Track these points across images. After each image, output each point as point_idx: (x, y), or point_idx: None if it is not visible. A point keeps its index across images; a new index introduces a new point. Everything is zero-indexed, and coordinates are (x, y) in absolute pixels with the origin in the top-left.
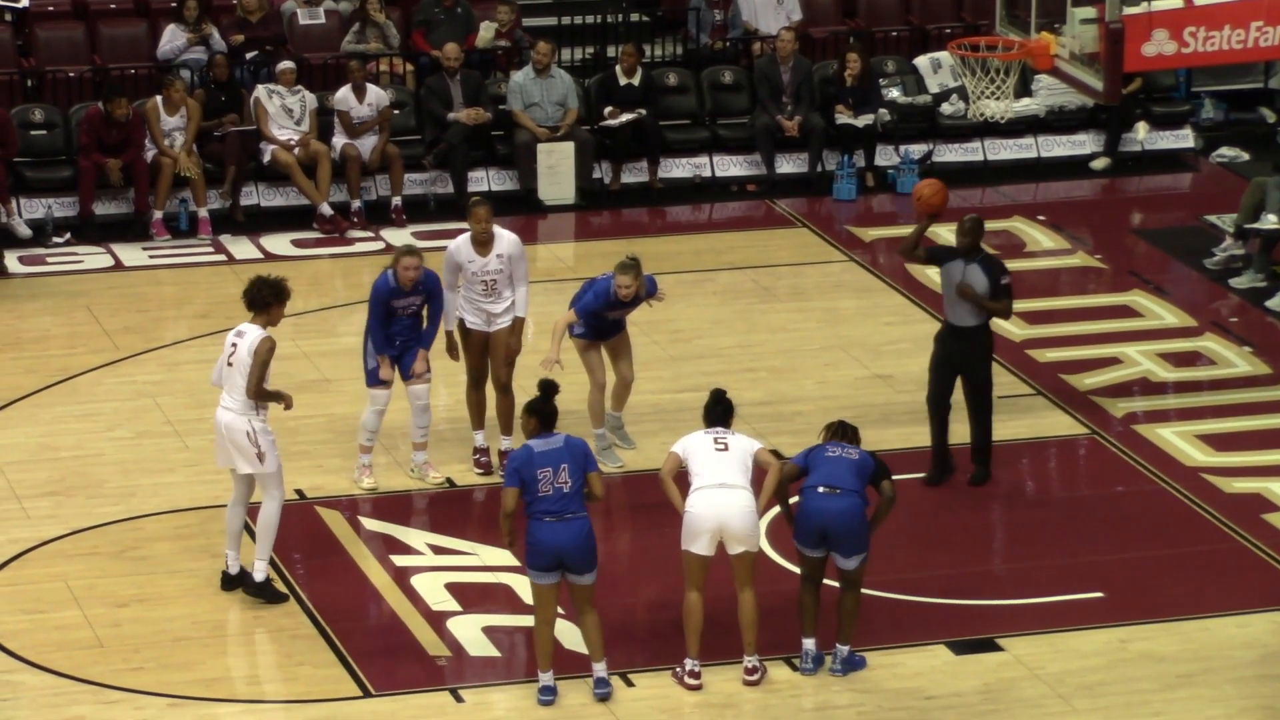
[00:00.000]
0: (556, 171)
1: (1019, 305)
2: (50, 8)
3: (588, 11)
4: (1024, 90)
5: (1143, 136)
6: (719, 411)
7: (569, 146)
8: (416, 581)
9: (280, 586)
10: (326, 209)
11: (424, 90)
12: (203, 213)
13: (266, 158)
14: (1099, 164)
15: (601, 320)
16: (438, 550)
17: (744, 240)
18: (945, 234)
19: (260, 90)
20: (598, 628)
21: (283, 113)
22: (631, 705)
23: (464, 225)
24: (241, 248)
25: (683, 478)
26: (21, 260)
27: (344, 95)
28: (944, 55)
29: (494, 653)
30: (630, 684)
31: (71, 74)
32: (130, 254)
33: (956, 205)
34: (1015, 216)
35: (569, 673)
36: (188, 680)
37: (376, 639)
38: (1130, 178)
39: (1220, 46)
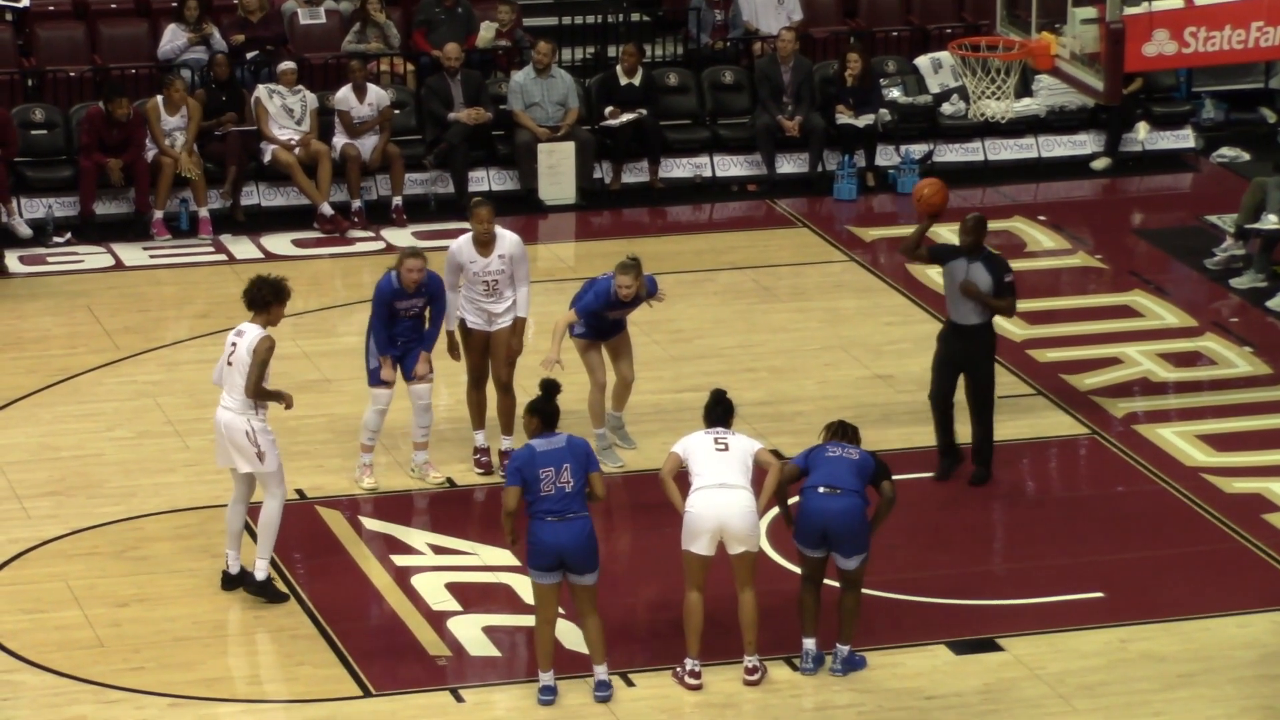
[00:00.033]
0: (557, 171)
1: (1019, 305)
2: (51, 7)
3: (588, 11)
4: (1025, 90)
5: (1143, 136)
6: (719, 411)
7: (569, 146)
8: (417, 581)
9: (281, 586)
10: (327, 209)
11: (424, 90)
12: (203, 212)
13: (267, 157)
14: (1099, 164)
15: (602, 320)
16: (438, 550)
17: (744, 240)
18: (945, 234)
19: (261, 90)
20: (599, 631)
21: (283, 112)
22: (632, 705)
23: (465, 225)
24: (242, 247)
25: (683, 478)
26: (22, 260)
27: (344, 95)
28: (945, 55)
29: (494, 652)
30: (630, 684)
31: (72, 74)
32: (131, 254)
33: (957, 205)
34: (1016, 216)
35: (569, 673)
36: (188, 680)
37: (377, 639)
38: (1131, 178)
39: (1221, 47)
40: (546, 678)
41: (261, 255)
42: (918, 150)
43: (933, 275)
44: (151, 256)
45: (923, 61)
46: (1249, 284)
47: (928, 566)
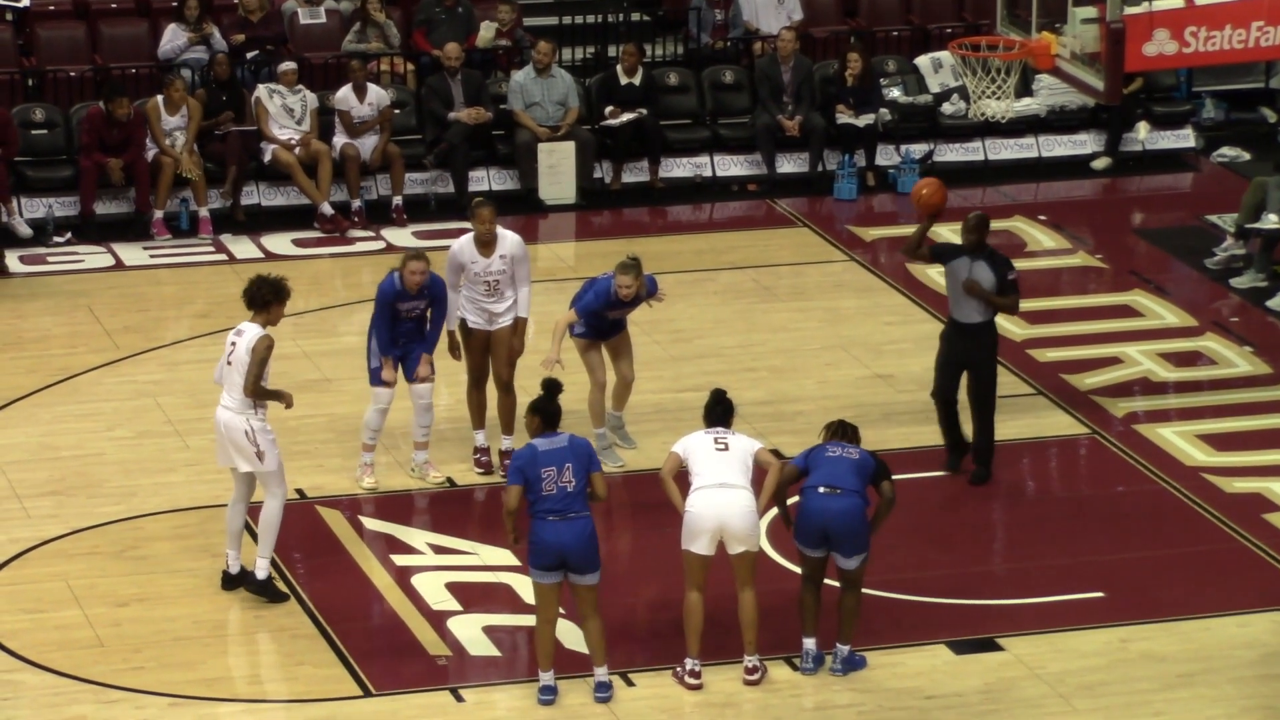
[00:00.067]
0: (557, 171)
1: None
2: (51, 7)
3: (589, 11)
4: (1025, 90)
5: (1144, 136)
6: (719, 411)
7: (570, 146)
8: (417, 581)
9: (281, 586)
10: (327, 208)
11: (425, 90)
12: (203, 212)
13: (267, 157)
14: (1100, 164)
15: (602, 320)
16: (438, 550)
17: (745, 240)
18: (945, 234)
19: (261, 90)
20: (600, 633)
21: (283, 112)
22: (632, 705)
23: (465, 225)
24: (242, 247)
25: (683, 477)
26: (22, 260)
27: (345, 95)
28: (945, 55)
29: (494, 652)
30: (630, 684)
31: (72, 73)
32: (131, 253)
33: (958, 205)
34: (1016, 216)
35: (569, 672)
36: (188, 680)
37: (377, 639)
38: (1131, 177)
39: (1221, 46)
40: (547, 677)
41: (262, 255)
42: (918, 150)
43: (933, 275)
44: (152, 256)
45: (923, 61)
46: (1249, 284)
47: (928, 566)
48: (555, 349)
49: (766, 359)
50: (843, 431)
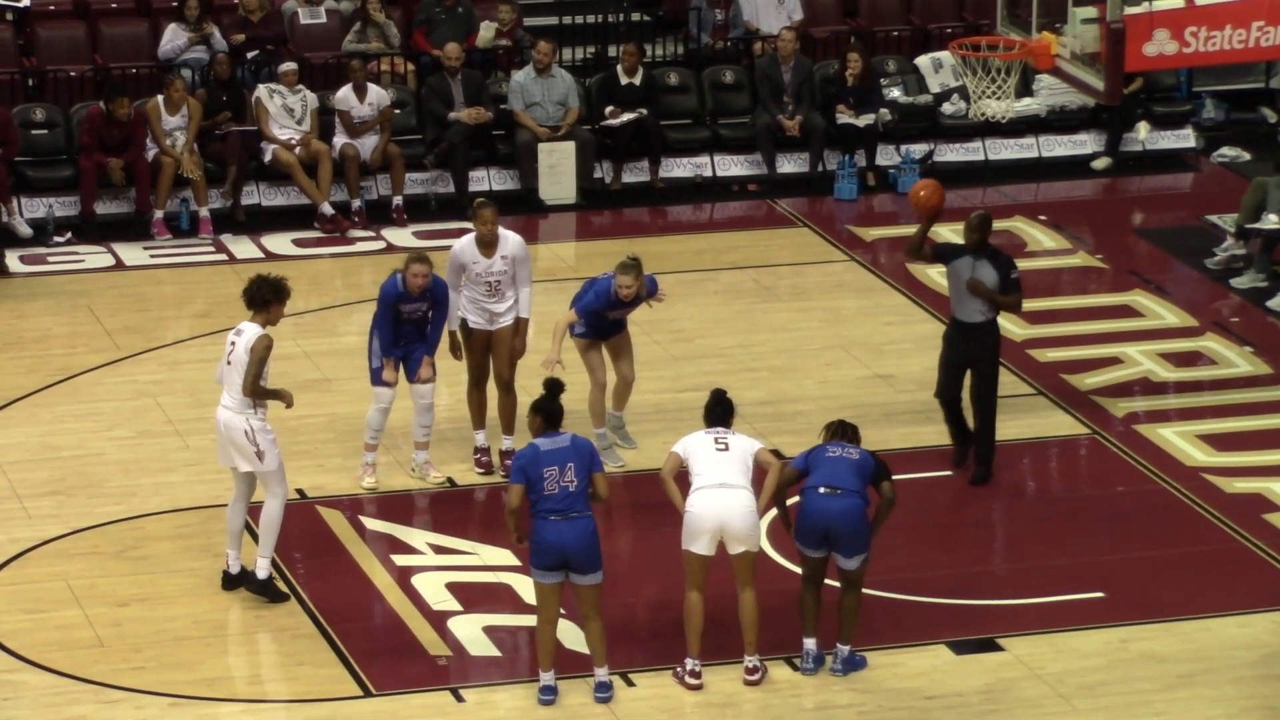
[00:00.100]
0: (557, 171)
1: None
2: (51, 7)
3: (589, 11)
4: (1025, 90)
5: (1144, 136)
6: (720, 411)
7: (570, 146)
8: (417, 581)
9: (281, 586)
10: (327, 208)
11: (425, 90)
12: (204, 212)
13: (267, 157)
14: (1100, 164)
15: (602, 320)
16: (439, 550)
17: (745, 240)
18: (946, 234)
19: (261, 90)
20: (601, 634)
21: (284, 112)
22: (632, 705)
23: (465, 225)
24: (242, 247)
25: (683, 477)
26: (22, 259)
27: (345, 95)
28: (945, 55)
29: (495, 652)
30: (631, 684)
31: (73, 73)
32: (131, 253)
33: (958, 205)
34: (1016, 216)
35: (570, 672)
36: (189, 680)
37: (377, 639)
38: (1131, 177)
39: (1221, 46)
40: (547, 677)
41: (262, 255)
42: (918, 150)
43: (933, 275)
44: (152, 256)
45: (923, 61)
46: (1249, 284)
47: (928, 566)
48: (555, 349)
49: (767, 359)
50: (843, 432)
